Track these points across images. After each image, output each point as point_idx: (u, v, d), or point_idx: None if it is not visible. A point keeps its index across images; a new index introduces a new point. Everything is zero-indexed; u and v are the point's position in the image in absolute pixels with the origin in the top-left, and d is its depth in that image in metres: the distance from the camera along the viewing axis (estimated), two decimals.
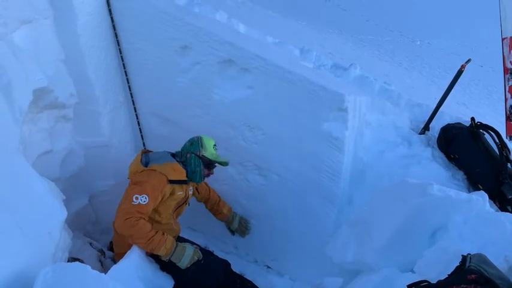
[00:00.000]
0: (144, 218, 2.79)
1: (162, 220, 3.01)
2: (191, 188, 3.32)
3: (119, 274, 2.69)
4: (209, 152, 3.18)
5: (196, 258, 2.99)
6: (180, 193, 3.09)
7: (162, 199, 2.94)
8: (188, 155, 3.16)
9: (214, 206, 3.65)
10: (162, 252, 2.85)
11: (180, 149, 3.27)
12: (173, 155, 3.19)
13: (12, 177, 2.42)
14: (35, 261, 2.26)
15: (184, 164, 3.16)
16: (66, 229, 2.87)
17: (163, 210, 3.01)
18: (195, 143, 3.18)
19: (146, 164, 3.03)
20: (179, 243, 2.99)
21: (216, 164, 3.25)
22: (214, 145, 3.24)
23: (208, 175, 3.27)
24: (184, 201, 3.23)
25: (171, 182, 2.98)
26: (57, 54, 3.20)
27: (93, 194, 3.87)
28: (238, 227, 3.75)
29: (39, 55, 3.02)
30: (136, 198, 2.77)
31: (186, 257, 2.94)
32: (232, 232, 3.81)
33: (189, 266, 2.95)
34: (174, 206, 3.11)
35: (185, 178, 3.10)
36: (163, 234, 2.88)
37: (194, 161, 3.15)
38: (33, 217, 2.41)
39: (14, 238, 2.22)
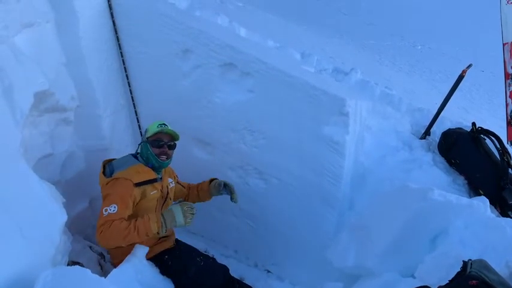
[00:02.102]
0: (115, 220, 2.68)
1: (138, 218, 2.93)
2: (170, 180, 3.21)
3: (119, 278, 2.69)
4: (151, 131, 3.05)
5: (186, 208, 2.81)
6: (153, 192, 2.97)
7: (134, 203, 2.86)
8: (139, 147, 3.10)
9: (196, 191, 3.48)
10: (154, 228, 2.71)
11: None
12: (135, 156, 3.10)
13: (12, 180, 2.42)
14: (35, 264, 2.25)
15: (144, 160, 3.05)
16: (66, 232, 2.86)
17: (146, 214, 2.87)
18: (144, 135, 3.11)
19: (111, 173, 2.93)
20: (162, 212, 2.82)
21: (166, 142, 3.06)
22: (160, 124, 3.09)
23: (163, 153, 3.05)
24: (166, 197, 3.14)
25: (138, 184, 2.88)
26: (58, 58, 3.21)
27: (93, 197, 3.86)
28: (225, 189, 3.45)
29: (41, 58, 3.02)
30: (106, 210, 2.70)
31: (178, 214, 2.77)
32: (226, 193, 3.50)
33: (189, 221, 2.80)
34: (155, 206, 3.02)
35: (153, 177, 2.98)
36: (143, 216, 2.77)
37: (143, 148, 3.06)
38: (33, 220, 2.41)
39: (14, 241, 2.21)
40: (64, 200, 2.93)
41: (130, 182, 2.84)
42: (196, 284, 3.02)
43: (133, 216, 2.82)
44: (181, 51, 3.47)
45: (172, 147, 3.12)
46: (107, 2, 3.35)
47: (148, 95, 3.80)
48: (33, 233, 2.34)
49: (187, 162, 3.40)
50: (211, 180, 3.51)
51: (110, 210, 2.69)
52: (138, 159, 3.07)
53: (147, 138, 3.04)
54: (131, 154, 3.13)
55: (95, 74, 3.40)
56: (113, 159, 3.12)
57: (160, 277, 3.01)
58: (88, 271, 2.21)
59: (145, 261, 2.96)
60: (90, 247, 3.63)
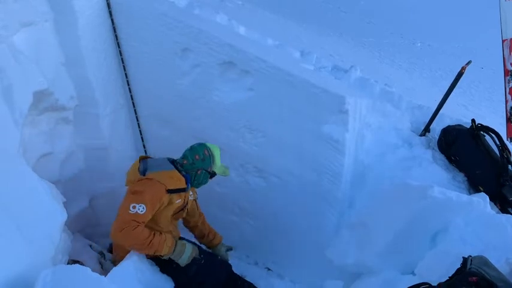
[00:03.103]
0: (140, 226, 2.73)
1: (162, 229, 2.98)
2: (191, 193, 3.26)
3: (119, 276, 2.69)
4: (218, 167, 3.14)
5: (195, 255, 2.97)
6: (178, 201, 3.01)
7: (159, 208, 2.88)
8: (199, 172, 3.08)
9: (208, 234, 3.53)
10: (164, 252, 2.83)
11: (181, 156, 3.15)
12: (172, 162, 3.10)
13: (12, 179, 2.42)
14: (35, 263, 2.25)
15: (184, 170, 3.07)
16: (66, 231, 2.87)
17: (161, 219, 2.95)
18: (207, 159, 3.08)
19: (144, 171, 2.94)
20: (178, 240, 2.97)
21: None
22: (226, 170, 3.22)
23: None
24: (183, 207, 3.17)
25: (170, 191, 2.90)
26: (57, 57, 3.21)
27: (93, 196, 3.87)
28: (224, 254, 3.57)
29: (40, 58, 3.02)
30: (134, 207, 2.70)
31: (186, 254, 2.91)
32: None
33: (188, 263, 2.93)
34: (171, 214, 3.07)
35: (184, 186, 3.01)
36: (161, 234, 2.85)
37: (203, 176, 3.11)
38: (33, 219, 2.41)
39: (14, 240, 2.21)
40: (64, 199, 2.94)
41: (163, 187, 2.84)
42: (197, 283, 3.02)
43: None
44: (180, 50, 3.47)
45: None
46: (105, 1, 3.35)
47: (148, 94, 3.80)
48: (33, 232, 2.35)
49: None
50: (219, 240, 3.55)
51: (139, 210, 2.70)
52: (173, 165, 3.05)
53: (213, 171, 3.11)
54: (167, 158, 3.10)
55: (94, 73, 3.40)
56: (148, 157, 3.13)
57: (161, 275, 3.01)
58: (88, 270, 2.22)
59: (145, 260, 2.96)
60: (90, 246, 3.63)
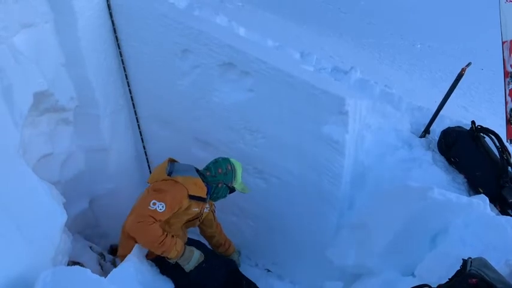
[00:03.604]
0: (156, 223, 2.78)
1: (172, 232, 3.00)
2: (207, 206, 3.30)
3: (119, 278, 2.69)
4: (239, 184, 3.22)
5: (201, 262, 3.02)
6: (195, 209, 3.09)
7: (177, 211, 2.94)
8: (220, 185, 3.16)
9: (220, 246, 3.61)
10: (172, 255, 2.86)
11: (205, 168, 3.24)
12: (197, 171, 3.17)
13: (12, 180, 2.42)
14: (35, 264, 2.25)
15: (206, 182, 3.14)
16: (66, 232, 2.87)
17: (174, 223, 3.01)
18: (229, 174, 3.17)
19: (170, 173, 3.02)
20: (187, 246, 3.00)
21: None
22: (245, 188, 3.31)
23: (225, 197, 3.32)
24: (197, 217, 3.22)
25: (191, 197, 2.97)
26: (57, 58, 3.21)
27: (93, 197, 3.87)
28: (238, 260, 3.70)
29: (40, 59, 3.02)
30: (154, 203, 2.77)
31: (193, 261, 2.96)
32: None
33: (192, 269, 2.97)
34: (184, 221, 3.11)
35: (205, 196, 3.09)
36: (173, 236, 2.90)
37: (223, 191, 3.20)
38: (33, 220, 2.41)
39: (14, 241, 2.21)
40: (64, 200, 2.94)
41: (186, 192, 2.93)
42: (197, 284, 3.03)
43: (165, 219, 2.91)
44: (180, 51, 3.47)
45: None
46: (105, 2, 3.35)
47: (148, 95, 3.80)
48: (33, 233, 2.35)
49: (187, 162, 3.39)
50: (234, 249, 3.67)
51: (158, 207, 2.77)
52: (198, 174, 3.13)
53: (233, 186, 3.19)
54: (193, 166, 3.18)
55: (94, 74, 3.40)
56: (176, 161, 3.21)
57: (160, 277, 3.02)
58: (88, 271, 2.22)
59: (145, 261, 2.96)
60: (90, 247, 3.64)
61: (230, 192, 3.26)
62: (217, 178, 3.16)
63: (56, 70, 3.18)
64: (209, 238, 3.59)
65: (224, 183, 3.17)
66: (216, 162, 3.22)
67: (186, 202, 2.96)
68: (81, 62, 3.30)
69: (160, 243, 2.78)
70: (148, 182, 3.12)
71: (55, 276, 2.11)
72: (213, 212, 3.47)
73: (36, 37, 3.00)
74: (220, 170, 3.16)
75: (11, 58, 2.74)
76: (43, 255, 2.40)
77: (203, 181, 3.10)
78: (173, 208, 2.87)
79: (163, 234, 2.80)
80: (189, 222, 3.21)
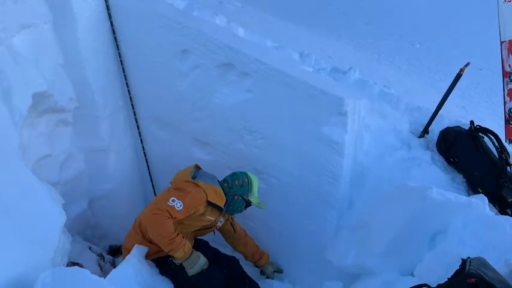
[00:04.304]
0: (171, 219, 2.83)
1: (181, 234, 3.02)
2: (222, 219, 3.33)
3: (118, 278, 2.69)
4: (254, 198, 3.25)
5: (204, 268, 3.03)
6: (209, 217, 3.12)
7: (192, 214, 2.97)
8: (236, 197, 3.21)
9: (252, 256, 3.65)
10: (179, 255, 2.87)
11: (222, 180, 3.29)
12: (218, 181, 3.23)
13: (11, 181, 2.42)
14: (34, 265, 2.25)
15: (226, 195, 3.19)
16: (65, 233, 2.87)
17: (186, 225, 3.05)
18: (246, 186, 3.22)
19: (193, 178, 3.09)
20: (194, 250, 3.02)
21: None
22: (261, 202, 3.33)
23: (241, 211, 3.35)
24: (209, 227, 3.26)
25: (209, 203, 3.02)
26: (56, 59, 3.21)
27: (92, 198, 3.86)
28: (270, 274, 3.73)
29: (39, 59, 3.02)
30: (173, 200, 2.83)
31: (197, 266, 2.97)
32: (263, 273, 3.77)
33: (194, 274, 2.98)
34: (196, 227, 3.15)
35: (221, 206, 3.14)
36: (183, 237, 2.92)
37: (239, 203, 3.23)
38: (33, 221, 2.41)
39: (13, 242, 2.21)
40: (63, 201, 2.94)
41: (205, 197, 3.00)
42: (196, 285, 3.02)
43: (178, 220, 2.95)
44: (179, 51, 3.47)
45: None
46: (104, 3, 3.35)
47: (147, 96, 3.80)
48: (32, 234, 2.35)
49: (187, 163, 3.39)
50: (266, 261, 3.69)
51: (177, 205, 2.84)
52: (219, 184, 3.20)
53: (248, 199, 3.23)
54: (216, 176, 3.25)
55: (93, 75, 3.40)
56: (201, 168, 3.27)
57: (160, 277, 3.02)
58: (87, 272, 2.22)
59: (144, 262, 2.96)
60: (90, 248, 3.63)
61: (246, 207, 3.30)
62: (234, 190, 3.21)
63: (55, 71, 3.18)
64: (234, 246, 3.65)
65: (240, 196, 3.21)
66: (234, 175, 3.29)
67: (202, 207, 3.01)
68: (80, 62, 3.30)
69: (171, 239, 2.81)
70: (170, 183, 3.19)
71: (54, 277, 2.11)
72: (231, 223, 3.51)
73: (35, 38, 3.00)
74: (237, 182, 3.22)
75: (10, 59, 2.74)
76: (42, 256, 2.40)
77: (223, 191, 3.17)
78: (189, 210, 2.92)
79: (175, 232, 2.84)
80: (200, 231, 3.24)
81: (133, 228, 3.14)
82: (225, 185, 3.23)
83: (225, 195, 3.18)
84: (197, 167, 3.24)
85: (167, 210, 2.80)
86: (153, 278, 2.96)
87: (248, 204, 3.28)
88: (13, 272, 2.11)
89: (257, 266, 3.69)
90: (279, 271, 3.78)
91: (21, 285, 2.12)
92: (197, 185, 3.01)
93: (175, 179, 3.18)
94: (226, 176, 3.32)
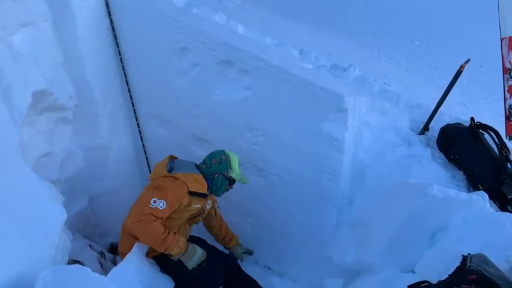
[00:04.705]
0: (157, 221, 2.80)
1: (174, 228, 3.01)
2: (210, 202, 3.31)
3: (119, 276, 2.69)
4: (236, 173, 3.20)
5: (203, 259, 3.03)
6: (196, 206, 3.08)
7: (177, 208, 2.94)
8: (216, 175, 3.16)
9: (223, 238, 3.64)
10: (175, 252, 2.87)
11: (201, 162, 3.25)
12: (196, 166, 3.18)
13: (11, 179, 2.42)
14: (35, 263, 2.25)
15: (207, 177, 3.15)
16: (65, 231, 2.86)
17: (175, 219, 3.02)
18: (224, 163, 3.17)
19: (170, 170, 3.04)
20: (189, 243, 3.02)
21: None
22: (244, 178, 3.28)
23: (228, 190, 3.29)
24: (200, 213, 3.23)
25: (191, 193, 2.98)
26: (56, 57, 3.21)
27: (92, 196, 3.86)
28: (239, 255, 3.71)
29: (38, 58, 3.02)
30: (155, 201, 2.78)
31: (196, 258, 2.97)
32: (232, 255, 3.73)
33: (195, 266, 2.98)
34: (185, 217, 3.11)
35: (206, 192, 3.10)
36: (175, 233, 2.91)
37: (221, 181, 3.18)
38: (33, 219, 2.41)
39: (14, 240, 2.21)
40: (63, 198, 2.94)
41: (186, 188, 2.93)
42: (197, 283, 3.03)
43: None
44: (178, 49, 3.47)
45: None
46: (104, 1, 3.35)
47: (147, 94, 3.80)
48: (32, 232, 2.35)
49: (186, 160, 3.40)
50: (236, 242, 3.68)
51: (159, 205, 2.79)
52: (198, 170, 3.14)
53: (230, 176, 3.16)
54: (193, 162, 3.20)
55: (92, 73, 3.40)
56: (176, 157, 3.22)
57: (161, 275, 3.02)
58: (88, 270, 2.22)
59: (145, 260, 2.96)
60: (90, 246, 3.63)
61: (230, 184, 3.23)
62: (212, 169, 3.16)
63: (54, 69, 3.18)
64: (208, 228, 3.62)
65: (220, 174, 3.16)
66: (211, 155, 3.24)
67: (186, 199, 2.96)
68: (79, 60, 3.30)
69: (162, 240, 2.79)
70: (149, 179, 3.14)
71: (55, 275, 2.11)
72: (214, 207, 3.48)
73: (34, 36, 3.00)
74: (214, 161, 3.17)
75: (10, 57, 2.74)
76: (43, 254, 2.40)
77: (203, 176, 3.11)
78: (174, 205, 2.88)
79: (165, 231, 2.81)
80: (192, 219, 3.21)
81: (124, 234, 3.10)
82: (204, 166, 3.18)
83: (205, 177, 3.13)
84: (172, 158, 3.19)
85: (151, 214, 2.76)
86: (154, 276, 2.96)
87: (232, 181, 3.21)
88: (14, 271, 2.11)
89: (227, 248, 3.66)
90: (249, 253, 3.75)
91: (22, 283, 2.11)
92: (176, 178, 2.95)
93: (153, 175, 3.12)
94: (205, 157, 3.26)
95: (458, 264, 2.01)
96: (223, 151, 3.23)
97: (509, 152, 3.51)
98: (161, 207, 2.79)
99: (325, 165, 3.41)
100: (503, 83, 4.10)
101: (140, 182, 4.27)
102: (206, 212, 3.33)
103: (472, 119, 3.69)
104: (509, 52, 3.97)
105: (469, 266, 1.91)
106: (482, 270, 1.87)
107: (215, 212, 3.54)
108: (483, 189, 3.26)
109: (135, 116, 3.94)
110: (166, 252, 2.88)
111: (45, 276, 2.09)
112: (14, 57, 2.77)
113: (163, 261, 3.04)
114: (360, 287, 3.02)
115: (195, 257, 2.97)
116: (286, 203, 3.72)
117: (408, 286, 2.14)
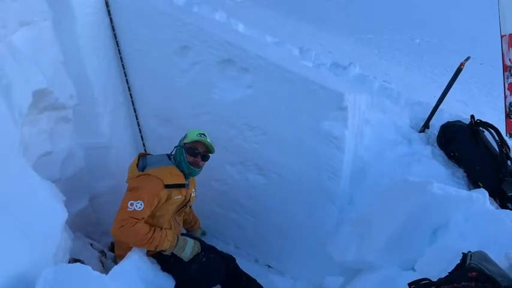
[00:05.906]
0: (139, 222, 2.77)
1: (163, 224, 3.00)
2: (193, 190, 3.28)
3: (120, 275, 2.69)
4: (189, 138, 3.08)
5: (197, 249, 3.01)
6: (177, 197, 3.03)
7: (158, 204, 2.91)
8: (173, 150, 3.13)
9: (190, 221, 3.64)
10: (165, 246, 2.86)
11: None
12: (169, 157, 3.13)
13: (12, 178, 2.42)
14: (36, 262, 2.25)
15: (175, 162, 3.08)
16: (66, 230, 2.87)
17: (161, 215, 2.98)
18: (182, 139, 3.13)
19: (143, 168, 2.98)
20: (180, 235, 3.00)
21: (201, 152, 3.08)
22: (200, 134, 3.11)
23: (195, 162, 3.07)
24: (185, 204, 3.20)
25: (167, 186, 2.92)
26: (56, 56, 3.20)
27: (93, 195, 3.86)
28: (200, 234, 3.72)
29: (39, 57, 3.02)
30: (132, 204, 2.75)
31: (189, 248, 2.96)
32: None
33: (191, 257, 2.97)
34: (173, 210, 3.08)
35: (183, 182, 3.04)
36: (161, 229, 2.89)
37: (178, 152, 3.09)
38: (34, 218, 2.41)
39: (15, 239, 2.21)
40: (64, 197, 2.94)
41: (161, 182, 2.88)
42: (197, 281, 3.03)
43: (151, 215, 2.89)
44: (179, 48, 3.47)
45: (206, 158, 3.15)
46: (104, 0, 3.34)
47: (147, 93, 3.80)
48: (34, 231, 2.35)
49: None
50: (199, 225, 3.70)
51: (136, 206, 2.75)
52: (171, 161, 3.09)
53: (184, 143, 3.07)
54: (166, 154, 3.15)
55: (93, 72, 3.40)
56: (148, 154, 3.18)
57: (162, 273, 3.02)
58: (89, 268, 2.22)
59: (146, 258, 2.96)
60: (91, 244, 3.64)
61: (192, 154, 3.05)
62: (175, 149, 3.11)
63: (55, 68, 3.18)
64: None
65: (177, 146, 3.10)
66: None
67: (164, 193, 2.90)
68: (80, 59, 3.30)
69: (149, 239, 2.77)
70: (126, 182, 3.05)
71: (56, 274, 2.11)
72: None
73: (34, 35, 3.00)
74: (178, 143, 3.12)
75: (10, 56, 2.74)
76: (44, 253, 2.40)
77: (176, 166, 3.05)
78: (152, 203, 2.84)
79: (150, 230, 2.79)
80: (179, 210, 3.18)
81: (116, 239, 3.09)
82: (173, 153, 3.14)
83: (176, 161, 3.06)
84: (142, 155, 3.12)
85: (131, 217, 2.73)
86: (155, 274, 2.96)
87: (190, 149, 3.04)
88: (15, 269, 2.12)
89: (190, 230, 3.65)
90: (203, 233, 3.76)
91: (23, 282, 2.12)
92: (148, 175, 2.89)
93: (128, 178, 3.06)
94: None
95: (459, 261, 2.01)
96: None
97: (509, 150, 3.51)
98: (139, 208, 2.75)
99: (325, 164, 3.41)
100: (504, 80, 4.11)
101: None
102: (192, 201, 3.29)
103: (472, 116, 3.69)
104: (509, 50, 3.98)
105: (469, 264, 1.91)
106: (482, 267, 1.87)
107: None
108: (483, 187, 3.27)
109: (136, 115, 3.94)
110: (158, 249, 2.86)
111: (46, 274, 2.10)
112: (14, 56, 2.77)
113: (163, 260, 3.04)
114: (360, 284, 3.01)
115: (187, 247, 2.94)
116: (287, 201, 3.72)
117: (409, 284, 2.14)
